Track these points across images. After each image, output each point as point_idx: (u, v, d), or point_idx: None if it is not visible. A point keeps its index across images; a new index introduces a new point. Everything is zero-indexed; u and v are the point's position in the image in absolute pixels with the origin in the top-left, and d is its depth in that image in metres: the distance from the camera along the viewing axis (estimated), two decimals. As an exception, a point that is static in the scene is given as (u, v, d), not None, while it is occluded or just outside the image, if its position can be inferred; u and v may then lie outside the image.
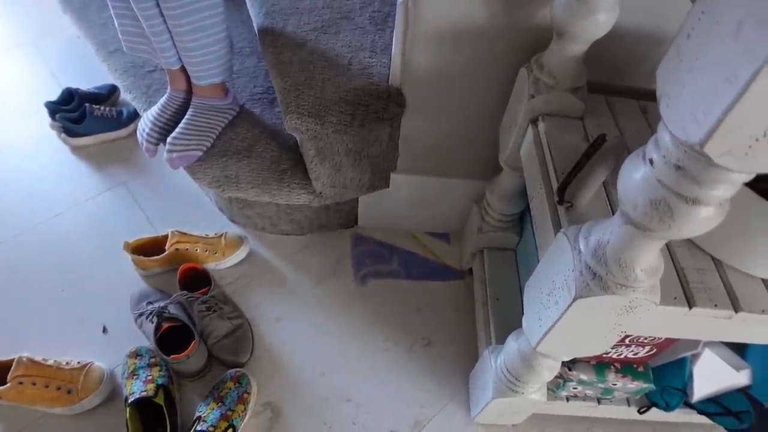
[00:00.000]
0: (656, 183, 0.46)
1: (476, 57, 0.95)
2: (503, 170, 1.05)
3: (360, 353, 1.18)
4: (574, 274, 0.60)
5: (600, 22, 0.73)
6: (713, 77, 0.37)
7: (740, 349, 1.00)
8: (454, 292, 1.31)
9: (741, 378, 0.99)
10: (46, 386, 1.01)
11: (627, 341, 0.86)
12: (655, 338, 0.85)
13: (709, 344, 0.98)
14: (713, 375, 0.99)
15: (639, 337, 0.85)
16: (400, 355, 1.19)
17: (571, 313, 0.62)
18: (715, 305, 0.66)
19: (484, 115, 1.06)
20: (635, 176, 0.49)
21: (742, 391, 1.01)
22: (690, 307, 0.65)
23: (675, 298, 0.65)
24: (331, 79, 1.06)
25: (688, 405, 1.01)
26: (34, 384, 1.00)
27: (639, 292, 0.58)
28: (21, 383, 0.99)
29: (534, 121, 0.86)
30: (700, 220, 0.47)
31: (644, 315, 0.61)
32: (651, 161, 0.46)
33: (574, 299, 0.60)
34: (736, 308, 0.66)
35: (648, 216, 0.48)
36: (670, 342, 0.88)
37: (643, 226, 0.50)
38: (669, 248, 0.71)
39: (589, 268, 0.59)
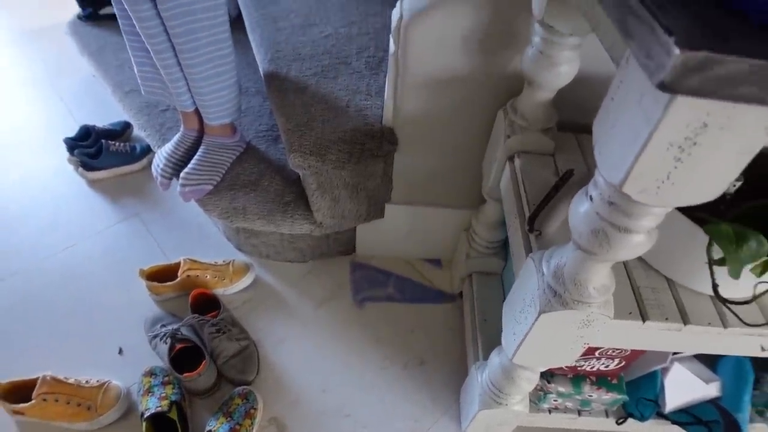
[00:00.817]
0: (595, 215, 0.56)
1: (459, 101, 1.06)
2: (487, 201, 1.16)
3: (358, 371, 1.26)
4: (539, 292, 0.70)
5: (562, 74, 0.84)
6: (627, 133, 0.48)
7: (712, 364, 1.08)
8: (446, 314, 1.39)
9: (711, 390, 1.07)
10: (68, 403, 1.09)
11: (597, 354, 0.95)
12: (621, 351, 0.94)
13: (680, 359, 1.07)
14: (684, 387, 1.07)
15: (608, 351, 0.94)
16: (396, 372, 1.27)
17: (538, 327, 0.72)
18: (666, 319, 0.75)
19: (469, 151, 1.16)
20: (580, 210, 0.59)
21: (713, 402, 1.08)
22: (644, 321, 0.75)
23: (630, 313, 0.75)
24: (331, 120, 1.17)
25: (662, 415, 1.09)
26: (57, 401, 1.09)
27: (594, 308, 0.67)
28: (45, 400, 1.08)
29: (511, 158, 0.97)
30: (633, 245, 0.57)
31: (602, 328, 0.71)
32: (591, 198, 0.57)
33: (539, 314, 0.69)
34: (685, 321, 0.75)
35: (591, 242, 0.58)
36: (636, 354, 0.97)
37: (589, 251, 0.60)
38: (627, 270, 0.81)
39: (551, 287, 0.69)
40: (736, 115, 0.41)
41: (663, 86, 0.35)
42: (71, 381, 1.13)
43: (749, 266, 0.66)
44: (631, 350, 0.95)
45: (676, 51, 0.33)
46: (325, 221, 1.27)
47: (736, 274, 0.61)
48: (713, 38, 0.34)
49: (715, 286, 0.68)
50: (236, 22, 1.49)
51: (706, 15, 0.37)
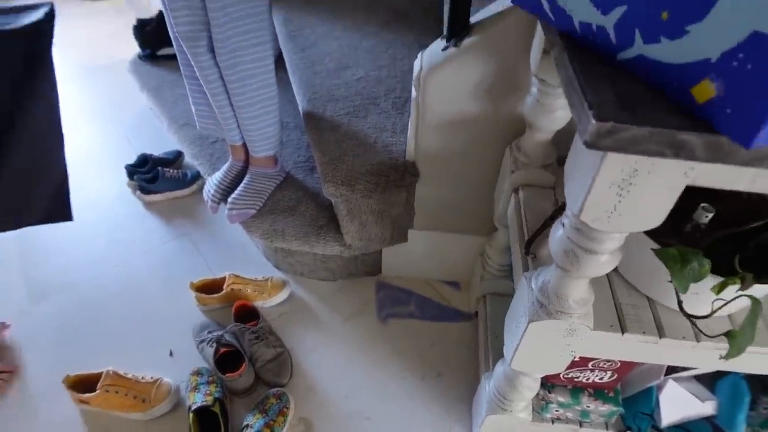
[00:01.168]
0: (567, 239, 0.69)
1: (471, 140, 1.21)
2: (498, 228, 1.29)
3: (380, 381, 1.39)
4: (529, 304, 0.83)
5: (557, 118, 0.98)
6: (582, 173, 0.61)
7: (711, 384, 1.17)
8: (462, 331, 1.52)
9: (706, 408, 1.15)
10: (126, 395, 1.26)
11: (590, 366, 1.06)
12: (612, 364, 1.05)
13: (677, 378, 1.16)
14: (680, 404, 1.16)
15: (600, 363, 1.05)
16: (415, 383, 1.39)
17: (529, 334, 0.84)
18: (644, 332, 0.86)
19: (481, 184, 1.30)
20: (557, 235, 0.72)
21: (708, 419, 1.17)
22: (623, 333, 0.86)
23: (611, 326, 0.87)
24: (360, 155, 1.33)
25: (658, 429, 1.18)
26: (117, 392, 1.25)
27: (575, 318, 0.80)
28: (107, 391, 1.24)
29: (516, 191, 1.10)
30: (599, 264, 0.69)
31: (585, 337, 0.83)
32: (563, 224, 0.70)
33: (529, 323, 0.82)
34: (661, 335, 0.86)
35: (564, 261, 0.71)
36: (627, 368, 1.07)
37: (565, 269, 0.73)
38: (611, 288, 0.93)
39: (538, 300, 0.81)
40: (659, 162, 0.54)
41: (588, 145, 0.49)
42: (130, 376, 1.29)
43: (710, 285, 0.78)
44: (621, 363, 1.05)
45: (593, 121, 0.47)
46: (354, 243, 1.42)
47: (683, 290, 0.72)
48: (621, 111, 0.48)
49: (679, 303, 0.79)
50: (277, 61, 1.68)
51: (626, 90, 0.51)
